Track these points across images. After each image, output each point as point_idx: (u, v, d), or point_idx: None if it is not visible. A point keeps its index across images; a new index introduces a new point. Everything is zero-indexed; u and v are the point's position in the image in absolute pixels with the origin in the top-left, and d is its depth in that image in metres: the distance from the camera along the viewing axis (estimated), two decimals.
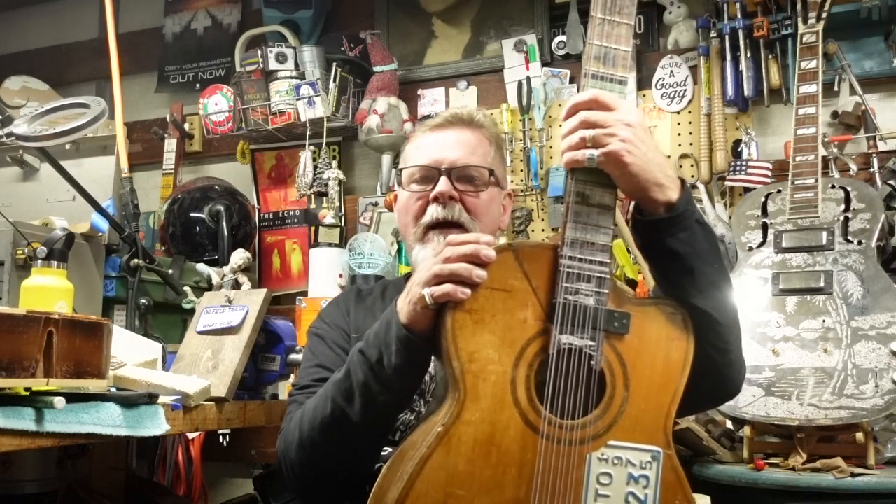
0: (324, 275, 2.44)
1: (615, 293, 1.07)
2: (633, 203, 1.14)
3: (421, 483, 1.00)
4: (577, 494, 1.02)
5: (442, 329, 1.05)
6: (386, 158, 2.68)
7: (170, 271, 2.10)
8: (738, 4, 2.32)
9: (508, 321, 1.04)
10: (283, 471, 1.29)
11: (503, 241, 2.49)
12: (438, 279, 1.06)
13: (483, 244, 1.05)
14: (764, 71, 2.31)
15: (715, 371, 1.16)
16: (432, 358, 1.17)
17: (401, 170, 1.44)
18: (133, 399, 1.33)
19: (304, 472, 1.25)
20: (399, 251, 2.50)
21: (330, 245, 2.46)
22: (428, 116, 2.57)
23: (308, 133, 2.66)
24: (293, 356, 1.89)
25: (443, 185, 1.35)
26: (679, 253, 1.10)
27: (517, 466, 1.02)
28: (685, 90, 2.46)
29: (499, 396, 1.03)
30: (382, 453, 1.26)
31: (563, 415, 1.04)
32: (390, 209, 2.50)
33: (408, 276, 1.46)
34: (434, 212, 1.35)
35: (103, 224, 1.96)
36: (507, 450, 1.02)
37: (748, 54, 2.30)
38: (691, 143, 2.44)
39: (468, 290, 1.03)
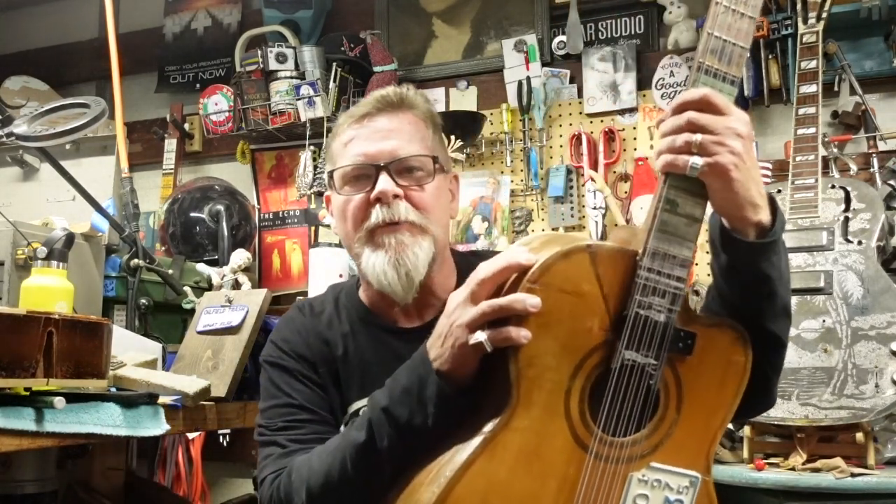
0: (324, 275, 2.44)
1: (683, 311, 1.00)
2: (716, 218, 1.04)
3: (461, 488, 0.95)
4: None
5: None
6: None
7: (170, 271, 2.10)
8: None
9: (574, 328, 0.97)
10: None
11: (503, 240, 2.50)
12: (486, 318, 0.95)
13: (521, 257, 0.95)
14: (764, 71, 2.31)
15: (766, 390, 1.12)
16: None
17: (331, 173, 1.25)
18: (133, 399, 1.33)
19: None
20: None
21: (330, 245, 2.46)
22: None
23: (308, 133, 2.66)
24: None
25: (383, 183, 1.18)
26: (770, 278, 1.02)
27: (558, 480, 0.98)
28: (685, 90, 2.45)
29: (552, 406, 0.97)
30: None
31: (614, 431, 0.99)
32: None
33: (358, 281, 1.32)
34: (378, 214, 1.18)
35: (103, 224, 1.96)
36: (551, 462, 0.97)
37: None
38: None
39: (529, 334, 0.93)
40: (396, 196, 1.18)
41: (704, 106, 0.95)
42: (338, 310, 1.30)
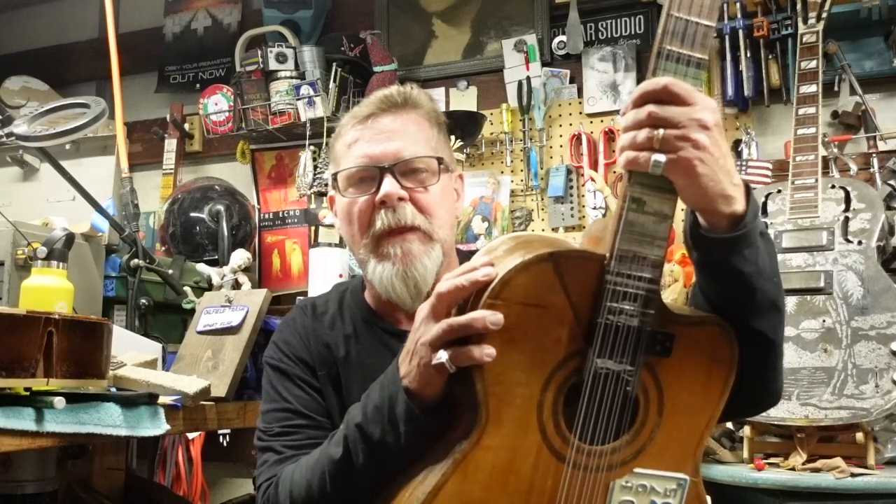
0: (324, 275, 2.44)
1: (660, 313, 0.95)
2: (689, 212, 0.99)
3: None
4: None
5: None
6: None
7: (170, 271, 2.10)
8: (738, 4, 2.32)
9: (541, 340, 0.93)
10: None
11: (498, 233, 2.50)
12: (449, 335, 0.92)
13: (479, 273, 0.91)
14: (764, 71, 2.31)
15: (763, 389, 1.09)
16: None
17: (335, 175, 1.22)
18: (133, 399, 1.33)
19: None
20: None
21: (330, 245, 2.46)
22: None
23: (308, 133, 2.66)
24: None
25: (388, 185, 1.15)
26: (743, 272, 0.96)
27: (536, 494, 0.95)
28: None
29: (523, 421, 0.93)
30: None
31: (592, 440, 0.96)
32: None
33: (363, 282, 1.32)
34: (383, 218, 1.16)
35: (103, 224, 1.96)
36: (527, 477, 0.94)
37: (748, 54, 2.30)
38: None
39: (493, 352, 0.89)
40: (401, 199, 1.16)
41: (666, 96, 0.89)
42: (341, 310, 1.29)
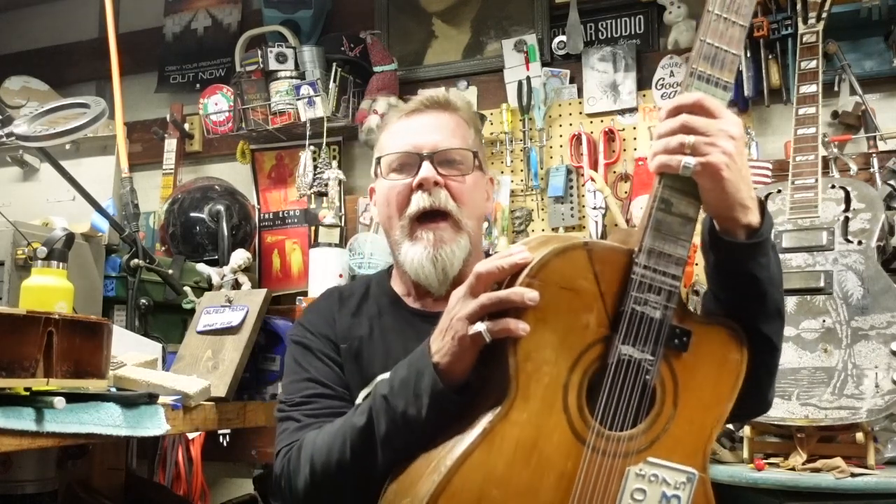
0: (324, 275, 2.44)
1: (679, 309, 1.02)
2: (707, 219, 1.07)
3: (458, 479, 0.96)
4: None
5: None
6: None
7: (170, 271, 2.10)
8: None
9: (571, 323, 0.99)
10: (280, 489, 1.22)
11: (503, 240, 2.50)
12: (485, 310, 0.99)
13: (517, 257, 0.98)
14: (764, 71, 2.31)
15: (760, 393, 1.15)
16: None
17: (378, 159, 1.34)
18: (133, 399, 1.33)
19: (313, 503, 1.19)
20: None
21: (330, 245, 2.46)
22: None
23: (308, 133, 2.66)
24: None
25: (426, 170, 1.26)
26: (758, 278, 1.05)
27: (556, 473, 0.99)
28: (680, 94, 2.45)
29: (549, 400, 0.99)
30: None
31: (610, 426, 1.01)
32: None
33: (389, 270, 1.41)
34: (419, 200, 1.26)
35: (103, 224, 1.96)
36: (549, 456, 0.99)
37: (748, 54, 2.30)
38: None
39: (528, 326, 0.96)
40: (437, 183, 1.26)
41: (698, 109, 0.99)
42: (367, 295, 1.38)
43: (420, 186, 1.26)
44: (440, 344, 1.04)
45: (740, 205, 1.01)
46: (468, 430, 0.99)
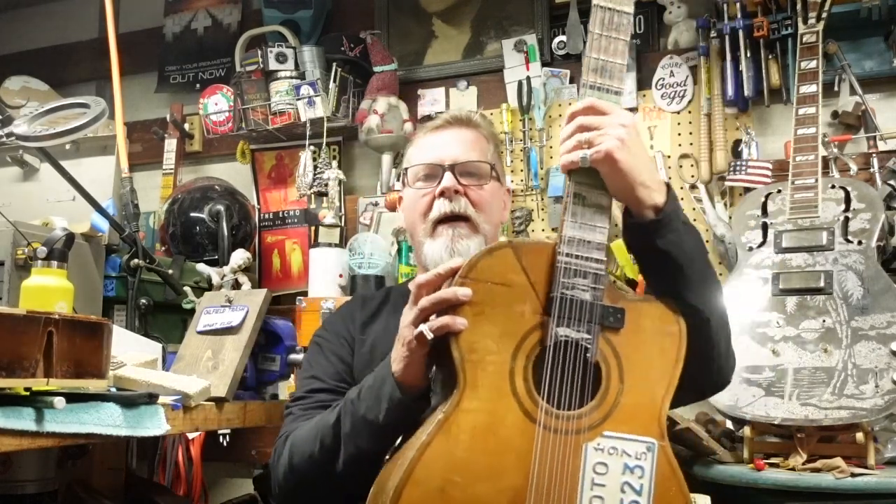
0: (324, 275, 2.44)
1: (611, 290, 1.11)
2: (623, 208, 1.18)
3: (420, 469, 1.03)
4: (573, 483, 1.05)
5: None
6: (386, 158, 2.68)
7: (170, 271, 2.10)
8: (738, 4, 2.32)
9: (507, 314, 1.07)
10: (272, 484, 1.34)
11: (503, 238, 2.50)
12: (426, 312, 1.09)
13: (451, 262, 1.10)
14: (764, 71, 2.31)
15: (706, 363, 1.21)
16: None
17: (405, 169, 1.50)
18: (133, 399, 1.33)
19: (291, 496, 1.31)
20: (399, 251, 2.50)
21: (330, 245, 2.46)
22: (428, 117, 2.58)
23: (308, 133, 2.66)
24: (293, 356, 1.89)
25: (447, 180, 1.41)
26: (668, 253, 1.14)
27: (515, 455, 1.05)
28: (685, 90, 2.46)
29: (497, 386, 1.06)
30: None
31: (560, 405, 1.07)
32: (392, 209, 2.51)
33: (410, 280, 1.52)
34: (441, 206, 1.41)
35: (103, 224, 1.96)
36: (505, 438, 1.05)
37: (748, 54, 2.30)
38: (691, 143, 2.44)
39: (465, 321, 1.06)
40: (457, 191, 1.41)
41: (590, 111, 1.12)
42: (387, 298, 1.53)
43: (442, 194, 1.41)
44: (394, 353, 1.15)
45: (641, 185, 1.11)
46: (426, 424, 1.08)
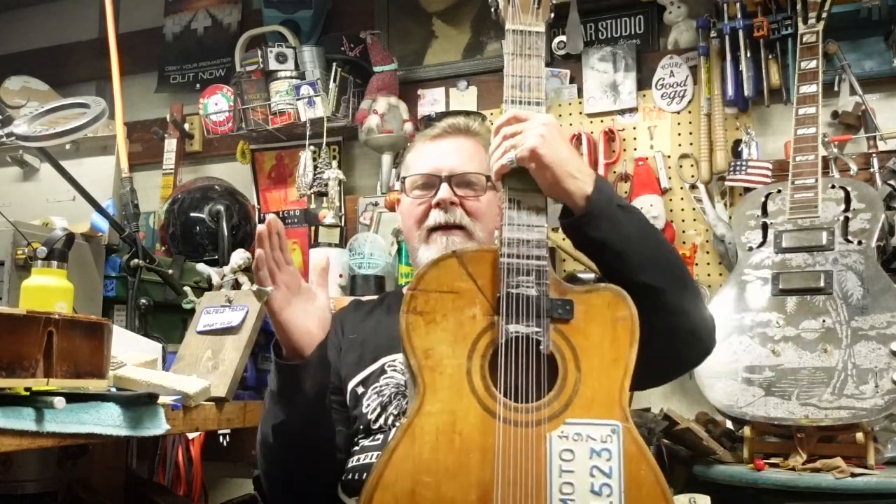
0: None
1: (557, 285, 1.15)
2: (561, 208, 1.22)
3: (389, 472, 1.07)
4: (539, 472, 1.08)
5: (399, 332, 1.14)
6: (386, 158, 2.68)
7: (170, 271, 2.10)
8: (738, 4, 2.32)
9: (459, 318, 1.13)
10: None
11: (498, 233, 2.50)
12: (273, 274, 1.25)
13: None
14: (764, 71, 2.31)
15: (681, 333, 1.23)
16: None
17: (404, 178, 1.52)
18: (133, 399, 1.33)
19: (269, 485, 1.36)
20: (399, 251, 2.50)
21: (330, 245, 2.46)
22: (428, 117, 2.57)
23: (308, 133, 2.66)
24: None
25: (444, 192, 1.43)
26: (605, 240, 1.19)
27: (480, 451, 1.08)
28: (685, 90, 2.46)
29: (456, 387, 1.10)
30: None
31: (519, 399, 1.10)
32: (391, 209, 2.51)
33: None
34: (436, 217, 1.43)
35: (103, 224, 1.96)
36: (469, 436, 1.08)
37: (748, 54, 2.30)
38: (691, 143, 2.44)
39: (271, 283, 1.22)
40: (453, 203, 1.42)
41: (513, 121, 1.19)
42: (382, 302, 1.56)
43: (438, 205, 1.43)
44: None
45: (568, 176, 1.17)
46: (394, 432, 1.12)
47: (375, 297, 1.66)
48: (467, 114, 2.30)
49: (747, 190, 2.21)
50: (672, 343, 1.21)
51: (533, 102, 1.21)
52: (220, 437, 2.32)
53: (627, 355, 1.13)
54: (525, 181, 1.18)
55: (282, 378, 1.26)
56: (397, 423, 1.32)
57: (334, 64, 2.68)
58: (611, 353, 1.13)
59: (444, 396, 1.10)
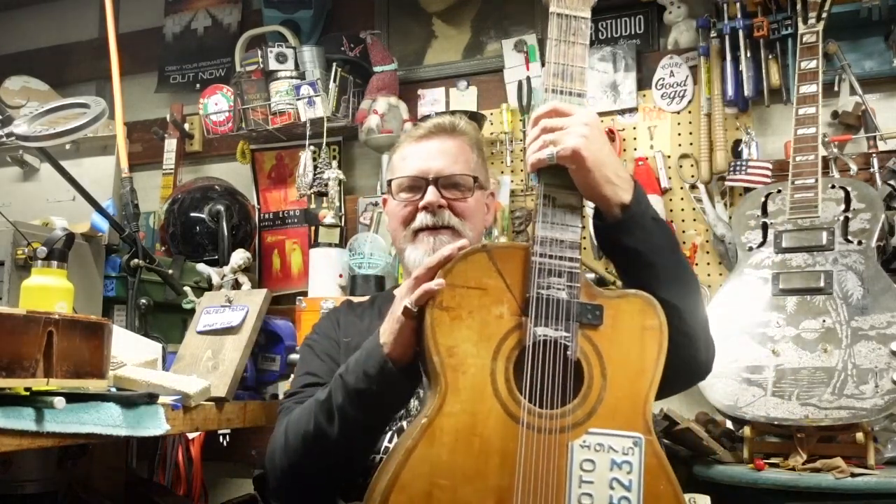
0: (324, 275, 2.44)
1: (588, 288, 1.11)
2: (594, 210, 1.20)
3: (406, 473, 1.03)
4: (560, 481, 1.05)
5: (422, 328, 1.10)
6: (386, 158, 2.67)
7: (170, 271, 2.10)
8: (738, 4, 2.32)
9: (485, 317, 1.08)
10: (267, 471, 1.35)
11: (503, 239, 2.50)
12: (420, 282, 1.11)
13: (445, 250, 1.12)
14: (764, 71, 2.31)
15: (684, 355, 1.20)
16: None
17: (390, 181, 1.50)
18: (133, 399, 1.33)
19: (286, 478, 1.31)
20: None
21: (330, 245, 2.46)
22: (428, 116, 2.57)
23: (308, 133, 2.66)
24: (293, 356, 1.89)
25: (430, 195, 1.42)
26: (638, 250, 1.17)
27: (499, 455, 1.05)
28: (685, 90, 2.46)
29: (479, 388, 1.06)
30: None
31: (543, 404, 1.07)
32: None
33: (395, 287, 1.55)
34: (423, 219, 1.42)
35: (103, 224, 1.96)
36: (489, 439, 1.05)
37: (748, 54, 2.30)
38: (691, 143, 2.44)
39: (443, 281, 1.08)
40: (440, 206, 1.41)
41: (553, 114, 1.14)
42: (373, 303, 1.55)
43: (425, 208, 1.41)
44: (383, 327, 1.18)
45: (607, 181, 1.13)
46: (411, 429, 1.08)
47: (366, 298, 1.64)
48: (452, 113, 2.32)
49: (747, 190, 2.21)
50: (675, 362, 1.17)
51: (575, 94, 1.16)
52: (220, 437, 2.32)
53: (654, 367, 1.11)
54: (561, 177, 1.13)
55: (384, 382, 1.17)
56: (394, 427, 1.32)
57: (334, 64, 2.68)
58: (638, 363, 1.11)
59: (466, 397, 1.06)
